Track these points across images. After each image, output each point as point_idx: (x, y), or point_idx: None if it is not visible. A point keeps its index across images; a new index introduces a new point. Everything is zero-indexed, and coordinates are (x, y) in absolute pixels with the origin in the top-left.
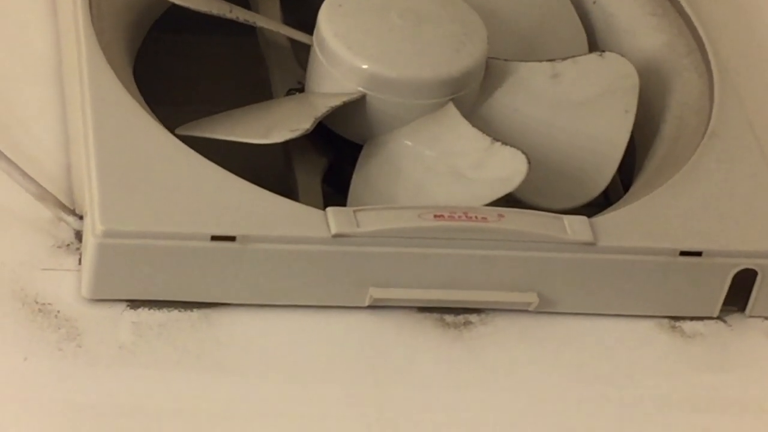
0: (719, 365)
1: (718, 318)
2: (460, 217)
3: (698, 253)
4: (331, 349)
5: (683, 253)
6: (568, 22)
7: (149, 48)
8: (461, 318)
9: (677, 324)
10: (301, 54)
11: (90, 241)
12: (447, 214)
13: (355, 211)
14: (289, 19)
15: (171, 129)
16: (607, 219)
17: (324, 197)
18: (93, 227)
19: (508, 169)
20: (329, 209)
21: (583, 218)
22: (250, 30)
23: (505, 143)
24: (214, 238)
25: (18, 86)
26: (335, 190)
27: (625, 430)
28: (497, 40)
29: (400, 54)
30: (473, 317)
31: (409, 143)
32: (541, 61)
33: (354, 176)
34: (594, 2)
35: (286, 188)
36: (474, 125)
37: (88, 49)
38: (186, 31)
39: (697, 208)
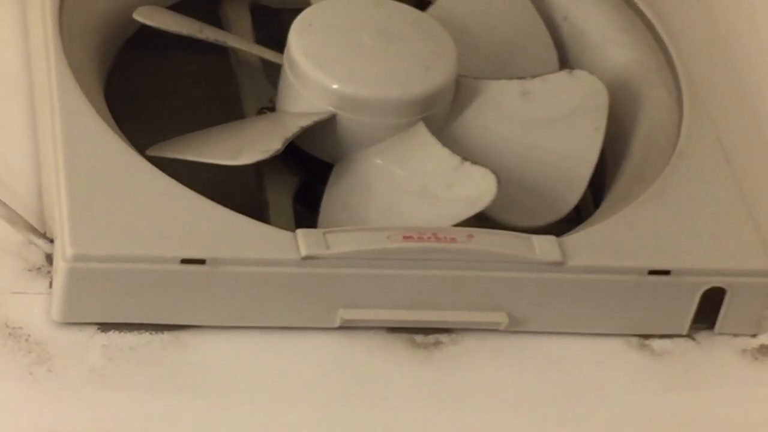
0: (689, 383)
1: (687, 336)
2: (429, 238)
3: (667, 272)
4: (301, 371)
5: (652, 272)
6: (538, 38)
7: (120, 65)
8: (431, 338)
9: (646, 342)
10: (273, 72)
11: (60, 265)
12: (416, 235)
13: (324, 233)
14: (260, 34)
15: (142, 147)
16: (575, 238)
17: (295, 215)
18: (63, 251)
19: (477, 188)
20: (299, 231)
21: (552, 238)
22: (221, 47)
23: (474, 162)
24: (184, 261)
25: None
26: (307, 209)
27: None
28: (467, 56)
29: (370, 74)
30: (443, 337)
31: (380, 162)
32: (511, 78)
33: (325, 195)
34: (565, 18)
35: (257, 206)
36: (444, 143)
37: (58, 71)
38: (157, 48)
39: (665, 226)
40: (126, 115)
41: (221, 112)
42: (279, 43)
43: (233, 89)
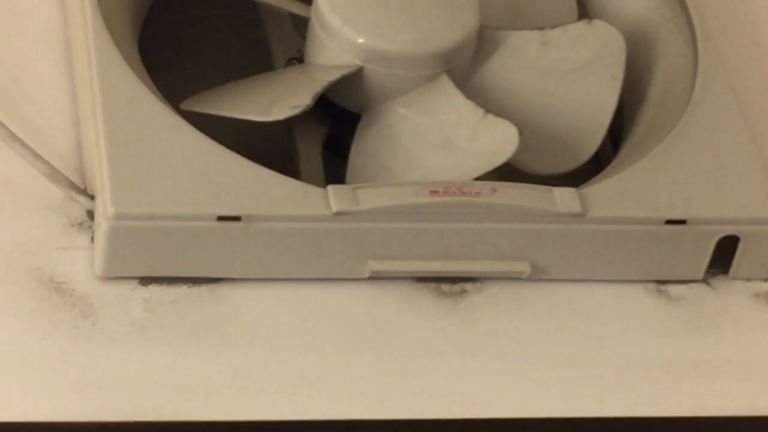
0: (704, 327)
1: (703, 281)
2: (454, 192)
3: (683, 222)
4: (333, 320)
5: (668, 222)
6: None
7: (153, 13)
8: (457, 287)
9: (663, 288)
10: (301, 23)
11: (102, 224)
12: (442, 189)
13: (354, 189)
14: None
15: (176, 98)
16: (595, 190)
17: (324, 163)
18: (104, 210)
19: (500, 140)
20: (330, 187)
21: (572, 190)
22: None
23: (497, 115)
24: (221, 218)
25: (26, 63)
26: (335, 157)
27: (618, 391)
28: (489, 5)
29: (395, 27)
30: (469, 286)
31: (405, 113)
32: (531, 29)
33: (352, 146)
34: None
35: (287, 155)
36: (468, 94)
37: (95, 28)
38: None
39: (681, 176)
40: (160, 63)
41: (252, 57)
42: None
43: (263, 37)
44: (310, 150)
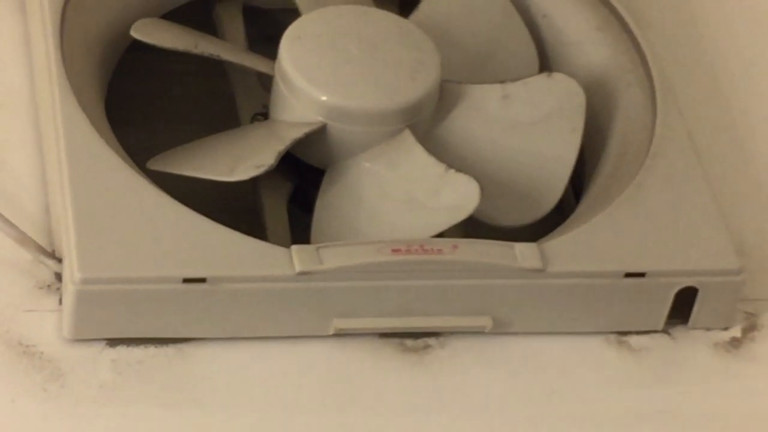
0: (666, 377)
1: (663, 331)
2: (416, 250)
3: (642, 274)
4: (298, 377)
5: (628, 275)
6: (518, 37)
7: (119, 67)
8: (421, 342)
9: (624, 338)
10: (266, 79)
11: (69, 288)
12: (404, 247)
13: (318, 249)
14: (252, 32)
15: (143, 153)
16: (555, 244)
17: (291, 217)
18: (72, 274)
19: (461, 196)
20: (293, 248)
21: (533, 245)
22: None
23: (459, 169)
24: (186, 280)
25: None
26: (301, 210)
27: None
28: (451, 58)
29: (357, 84)
30: (432, 341)
31: (369, 168)
32: (492, 82)
33: (317, 203)
34: (544, 16)
35: (253, 209)
36: (430, 148)
37: (61, 89)
38: (155, 51)
39: (640, 229)
40: (127, 119)
41: (218, 111)
42: (270, 40)
43: (229, 90)
44: (275, 205)
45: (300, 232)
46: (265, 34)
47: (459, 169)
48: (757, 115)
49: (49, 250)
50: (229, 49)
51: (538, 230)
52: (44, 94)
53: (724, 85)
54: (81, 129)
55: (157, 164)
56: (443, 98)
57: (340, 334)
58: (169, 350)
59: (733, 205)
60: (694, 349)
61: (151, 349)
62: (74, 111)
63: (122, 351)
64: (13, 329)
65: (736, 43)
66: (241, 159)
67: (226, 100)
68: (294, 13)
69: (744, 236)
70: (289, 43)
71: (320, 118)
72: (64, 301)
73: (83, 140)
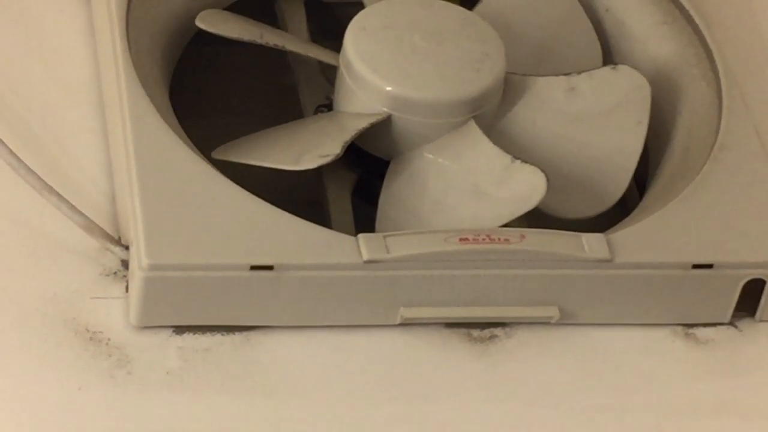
0: (732, 369)
1: (730, 323)
2: (483, 239)
3: (709, 266)
4: (364, 366)
5: (696, 266)
6: (582, 31)
7: (183, 60)
8: (487, 332)
9: (691, 331)
10: (329, 70)
11: (137, 274)
12: (471, 237)
13: (384, 237)
14: (314, 27)
15: (208, 145)
16: (622, 235)
17: (354, 209)
18: (139, 261)
19: (528, 187)
20: (360, 236)
21: (600, 236)
22: None
23: (524, 161)
24: (253, 267)
25: (60, 116)
26: (365, 202)
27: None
28: (515, 51)
29: (423, 75)
30: (498, 331)
31: (433, 159)
32: (557, 75)
33: (382, 193)
34: (607, 10)
35: (318, 201)
36: (495, 140)
37: (127, 80)
38: (218, 44)
39: (707, 221)
40: (191, 110)
41: (281, 104)
42: (333, 35)
43: (292, 82)
44: (339, 195)
45: (365, 226)
46: (327, 27)
47: (525, 160)
48: None
49: (115, 237)
50: (292, 41)
51: (601, 223)
52: (110, 84)
53: None
54: (148, 118)
55: (222, 154)
56: (508, 90)
57: (407, 324)
58: (236, 338)
59: None
60: (761, 341)
61: (218, 337)
62: (141, 100)
63: (189, 338)
64: (80, 316)
65: None
66: (306, 149)
67: (290, 94)
68: (355, 7)
69: None
70: (354, 33)
71: (385, 109)
72: (130, 288)
73: (150, 129)
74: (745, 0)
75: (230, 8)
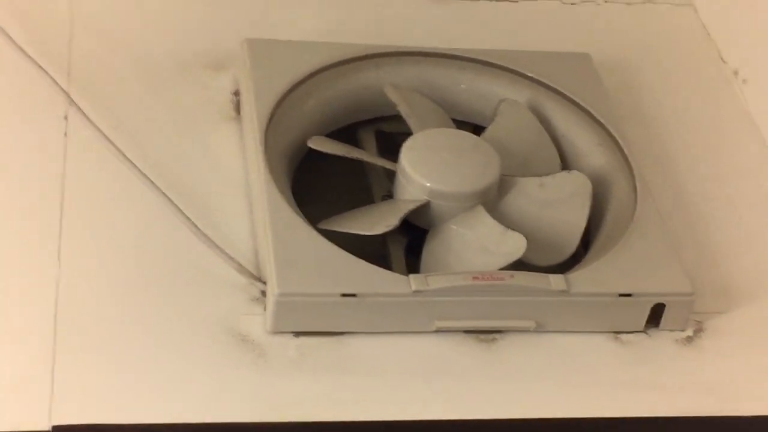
0: (643, 360)
1: (643, 332)
2: (487, 278)
3: (630, 295)
4: (412, 358)
5: (621, 295)
6: (547, 149)
7: (300, 167)
8: (490, 336)
9: (618, 336)
10: (391, 173)
11: (270, 299)
12: (480, 276)
13: (426, 276)
14: (381, 147)
15: (315, 219)
16: (574, 276)
17: (406, 260)
18: (272, 290)
19: (514, 246)
20: (411, 276)
21: (560, 276)
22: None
23: (513, 230)
24: (343, 294)
25: (220, 200)
26: (413, 256)
27: (588, 399)
28: (506, 161)
29: (449, 176)
30: (497, 336)
31: (456, 230)
32: (533, 176)
33: (423, 250)
34: (562, 136)
35: (383, 255)
36: (494, 217)
37: (266, 179)
38: (320, 158)
39: (628, 266)
40: (306, 198)
41: (361, 195)
42: (393, 152)
43: (368, 181)
44: (397, 251)
45: (412, 271)
46: (388, 148)
47: (513, 229)
48: (702, 195)
49: (257, 275)
50: (368, 155)
51: (560, 268)
52: (254, 180)
53: (682, 173)
54: (278, 203)
55: (325, 224)
56: (502, 186)
57: (439, 331)
58: (332, 339)
59: (685, 249)
60: (663, 343)
61: (322, 339)
62: (274, 190)
63: (304, 339)
64: (235, 326)
65: (692, 150)
66: (377, 221)
67: (366, 187)
68: (406, 135)
69: (695, 272)
70: (406, 150)
71: (425, 197)
72: (267, 308)
73: (279, 209)
74: (653, 127)
75: (329, 135)
